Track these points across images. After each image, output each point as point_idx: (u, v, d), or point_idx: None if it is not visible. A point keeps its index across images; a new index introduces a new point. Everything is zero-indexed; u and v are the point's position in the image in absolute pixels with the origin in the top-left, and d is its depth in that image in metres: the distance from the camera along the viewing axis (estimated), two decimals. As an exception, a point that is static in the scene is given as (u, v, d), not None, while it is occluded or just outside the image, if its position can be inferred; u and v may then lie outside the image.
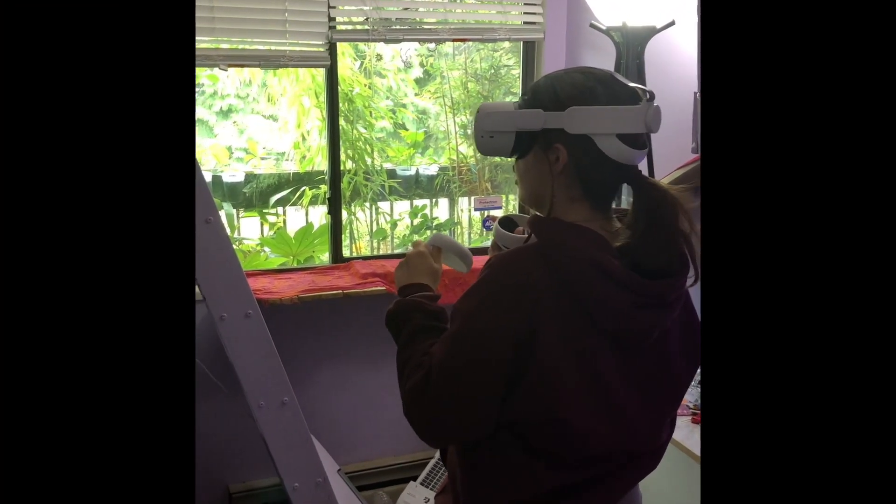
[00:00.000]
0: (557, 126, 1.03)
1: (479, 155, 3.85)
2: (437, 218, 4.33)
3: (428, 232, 4.18)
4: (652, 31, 2.15)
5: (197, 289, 1.70)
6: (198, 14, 2.29)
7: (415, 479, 2.68)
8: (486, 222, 2.76)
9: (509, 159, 1.12)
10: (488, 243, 3.26)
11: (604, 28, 2.22)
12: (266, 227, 4.12)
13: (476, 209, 3.18)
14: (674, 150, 2.20)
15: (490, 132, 1.08)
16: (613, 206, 1.10)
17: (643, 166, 2.17)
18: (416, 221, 4.25)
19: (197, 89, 4.81)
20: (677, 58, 2.29)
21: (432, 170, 4.51)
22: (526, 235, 1.29)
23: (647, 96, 1.03)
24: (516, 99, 1.11)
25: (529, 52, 2.85)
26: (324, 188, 3.48)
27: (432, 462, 2.71)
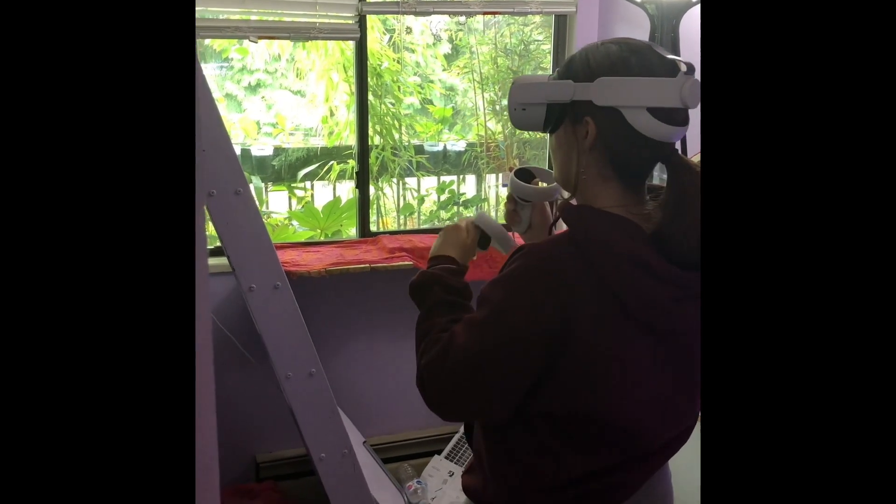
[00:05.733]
0: (586, 98, 0.99)
1: (507, 131, 3.83)
2: (463, 194, 4.31)
3: (455, 208, 4.18)
4: (687, 4, 2.11)
5: (226, 260, 1.72)
6: (228, -14, 2.28)
7: (439, 452, 2.69)
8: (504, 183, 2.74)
9: (538, 135, 1.10)
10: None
11: (638, 0, 2.18)
12: (294, 201, 4.14)
13: (503, 185, 3.16)
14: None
15: (522, 104, 1.05)
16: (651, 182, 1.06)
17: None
18: (443, 197, 4.24)
19: (226, 64, 4.83)
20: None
21: (460, 146, 4.49)
22: (543, 187, 1.27)
23: (686, 69, 0.98)
24: (546, 74, 1.08)
25: (561, 25, 2.81)
26: (351, 163, 3.48)
27: (457, 437, 2.72)
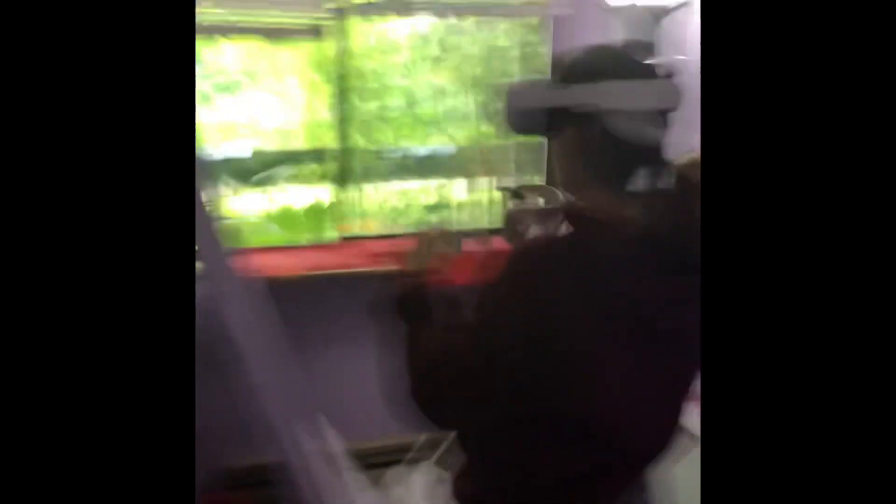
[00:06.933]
0: (566, 103, 1.06)
1: (499, 134, 3.90)
2: (452, 199, 4.37)
3: (445, 212, 4.24)
4: (664, 11, 2.16)
5: (198, 264, 1.76)
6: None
7: (425, 460, 2.73)
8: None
9: (534, 138, 1.17)
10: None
11: (614, 6, 2.23)
12: (272, 203, 4.18)
13: (496, 189, 3.15)
14: (683, 137, 2.24)
15: (516, 110, 1.12)
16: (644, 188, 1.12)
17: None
18: (431, 202, 4.30)
19: (199, 63, 4.88)
20: (691, 39, 2.31)
21: (449, 149, 4.54)
22: (538, 205, 1.43)
23: (666, 72, 1.06)
24: (539, 77, 1.18)
25: (552, 28, 2.98)
26: (333, 165, 3.53)
27: (446, 444, 2.76)
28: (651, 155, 1.08)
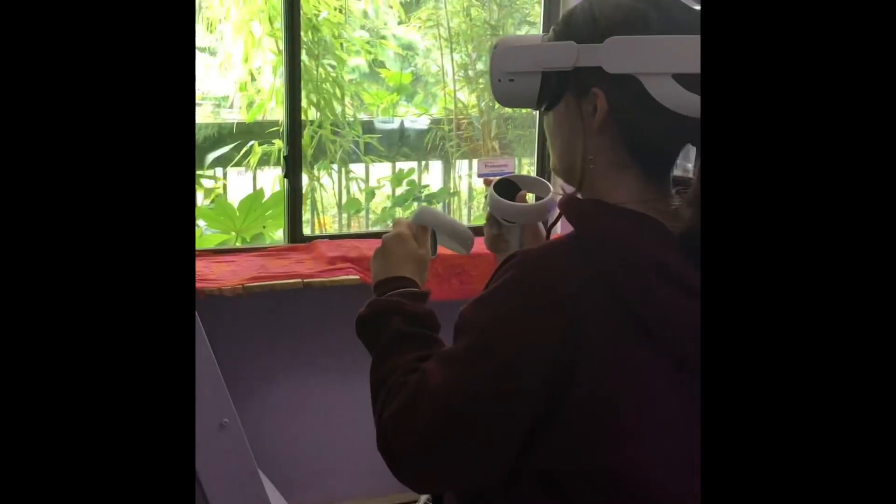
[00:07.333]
0: (593, 63, 1.02)
1: (483, 104, 3.85)
2: (427, 186, 4.34)
3: (416, 205, 4.19)
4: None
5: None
6: None
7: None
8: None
9: (525, 111, 1.13)
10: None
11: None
12: (201, 193, 4.13)
13: (479, 175, 3.18)
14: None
15: (509, 74, 1.09)
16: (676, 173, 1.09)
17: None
18: (399, 190, 4.27)
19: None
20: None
21: (421, 122, 4.52)
22: (534, 204, 1.32)
23: None
24: (535, 31, 1.11)
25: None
26: (278, 144, 3.49)
27: (418, 506, 2.73)
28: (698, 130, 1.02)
